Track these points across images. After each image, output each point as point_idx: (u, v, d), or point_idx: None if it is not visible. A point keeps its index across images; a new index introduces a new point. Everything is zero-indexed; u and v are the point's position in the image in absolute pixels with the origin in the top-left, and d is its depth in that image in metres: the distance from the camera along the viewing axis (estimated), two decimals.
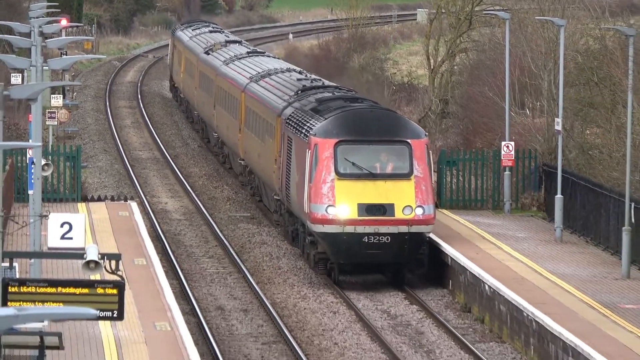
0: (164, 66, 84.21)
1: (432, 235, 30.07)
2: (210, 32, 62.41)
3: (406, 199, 26.68)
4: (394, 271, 28.27)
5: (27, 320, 7.85)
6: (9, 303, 13.69)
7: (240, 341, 26.39)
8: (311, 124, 28.81)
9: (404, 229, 26.52)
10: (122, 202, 39.99)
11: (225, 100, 46.48)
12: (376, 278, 30.15)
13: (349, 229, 26.46)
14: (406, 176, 26.96)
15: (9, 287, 13.94)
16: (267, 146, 35.89)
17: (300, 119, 30.58)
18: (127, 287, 15.54)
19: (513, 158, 34.14)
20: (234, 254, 34.96)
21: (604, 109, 37.66)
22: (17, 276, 17.05)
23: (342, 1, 77.74)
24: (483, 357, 23.35)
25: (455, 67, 54.67)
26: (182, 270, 32.63)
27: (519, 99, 41.92)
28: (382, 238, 26.42)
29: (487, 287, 26.49)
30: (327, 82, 40.32)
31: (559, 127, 32.63)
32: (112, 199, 39.97)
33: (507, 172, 36.36)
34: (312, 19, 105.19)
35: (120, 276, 15.04)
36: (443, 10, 56.31)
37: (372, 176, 27.02)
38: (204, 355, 23.25)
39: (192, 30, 64.53)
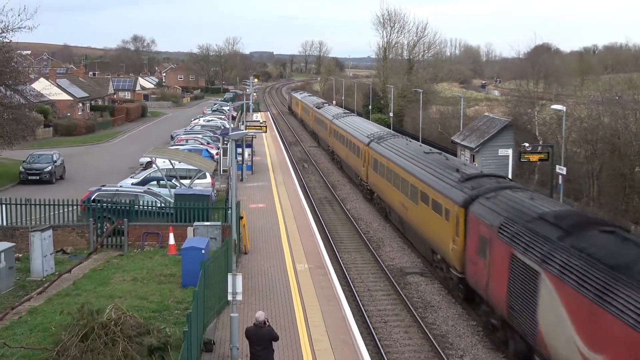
0: (275, 88, 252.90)
1: None
2: (309, 96, 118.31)
3: None
4: None
5: (247, 134, 56.46)
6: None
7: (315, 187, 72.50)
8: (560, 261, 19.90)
9: None
10: (267, 112, 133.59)
11: (341, 139, 62.71)
12: None
13: None
14: None
15: (248, 127, 66.23)
16: (421, 208, 34.90)
17: (529, 240, 22.29)
18: (268, 128, 74.44)
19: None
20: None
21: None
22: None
23: (304, 75, 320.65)
24: None
25: (324, 86, 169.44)
26: (286, 140, 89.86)
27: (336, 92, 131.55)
28: None
29: None
30: (478, 169, 38.48)
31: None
32: (266, 110, 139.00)
33: None
34: (300, 79, 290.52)
35: (266, 124, 69.04)
36: (321, 78, 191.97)
37: None
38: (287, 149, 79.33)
39: (300, 94, 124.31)
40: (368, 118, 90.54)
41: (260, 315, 19.41)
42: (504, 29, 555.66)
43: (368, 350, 23.20)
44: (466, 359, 24.92)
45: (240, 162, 54.83)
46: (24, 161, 57.09)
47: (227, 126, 73.99)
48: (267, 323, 19.54)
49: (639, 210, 44.19)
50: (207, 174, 46.47)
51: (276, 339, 19.47)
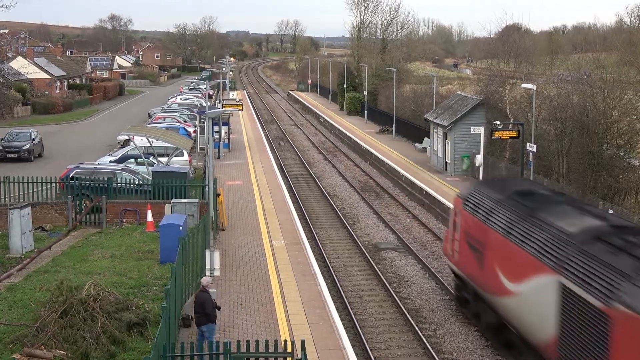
0: (252, 67, 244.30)
1: None
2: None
3: None
4: None
5: (224, 112, 57.72)
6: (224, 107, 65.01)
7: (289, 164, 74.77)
8: None
9: None
10: (244, 91, 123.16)
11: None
12: None
13: None
14: None
15: (224, 105, 66.17)
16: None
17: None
18: (244, 107, 71.88)
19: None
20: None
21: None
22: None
23: (280, 54, 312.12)
24: None
25: (299, 65, 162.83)
26: (262, 118, 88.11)
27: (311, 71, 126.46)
28: None
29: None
30: None
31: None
32: (242, 89, 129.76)
33: None
34: (276, 58, 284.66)
35: (242, 103, 68.53)
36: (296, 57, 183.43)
37: None
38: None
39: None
40: (343, 97, 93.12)
41: (203, 279, 19.43)
42: (475, 9, 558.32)
43: (343, 324, 23.20)
44: (439, 332, 24.99)
45: (217, 140, 54.72)
46: (2, 139, 56.48)
47: (204, 104, 73.76)
48: (207, 290, 19.54)
49: (606, 187, 44.49)
50: (185, 152, 46.48)
51: (207, 307, 19.16)
